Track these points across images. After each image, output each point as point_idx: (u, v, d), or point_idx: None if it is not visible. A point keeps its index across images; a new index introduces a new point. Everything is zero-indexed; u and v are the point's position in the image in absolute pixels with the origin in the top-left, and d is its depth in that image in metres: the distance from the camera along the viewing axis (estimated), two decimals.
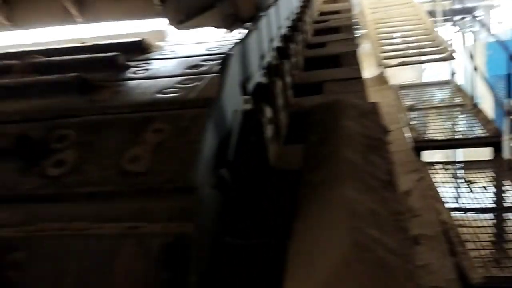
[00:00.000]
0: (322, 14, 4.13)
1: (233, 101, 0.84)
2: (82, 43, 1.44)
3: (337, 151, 0.76)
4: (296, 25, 2.34)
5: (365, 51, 6.03)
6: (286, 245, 0.92)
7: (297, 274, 0.56)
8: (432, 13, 8.23)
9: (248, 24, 1.38)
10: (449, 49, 5.81)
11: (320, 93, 1.97)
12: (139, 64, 1.22)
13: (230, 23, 1.33)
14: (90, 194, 0.77)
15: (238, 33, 1.48)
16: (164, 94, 0.97)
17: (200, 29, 1.42)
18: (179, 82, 1.02)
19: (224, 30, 1.44)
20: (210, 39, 1.43)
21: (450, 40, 7.63)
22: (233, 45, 0.86)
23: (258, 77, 1.09)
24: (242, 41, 0.91)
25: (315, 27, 3.47)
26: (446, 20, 9.21)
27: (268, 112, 1.20)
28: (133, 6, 1.39)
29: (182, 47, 1.36)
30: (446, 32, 8.69)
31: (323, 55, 2.65)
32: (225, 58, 0.79)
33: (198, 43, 1.41)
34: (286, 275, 0.57)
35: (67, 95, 1.00)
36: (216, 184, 0.70)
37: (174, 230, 0.69)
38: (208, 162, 0.69)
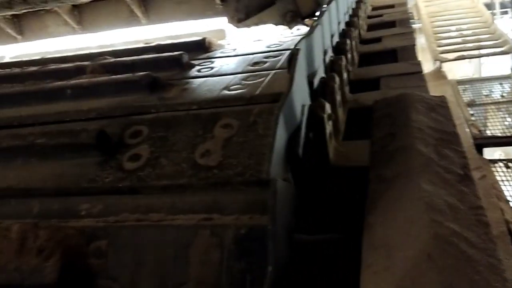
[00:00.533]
0: (374, 8, 4.04)
1: (301, 96, 0.84)
2: (147, 43, 1.50)
3: (410, 145, 0.75)
4: (351, 20, 2.31)
5: (420, 45, 5.83)
6: (355, 239, 0.92)
7: (375, 267, 0.55)
8: (490, 5, 7.85)
9: (307, 21, 1.38)
10: (510, 42, 5.51)
11: (377, 89, 1.94)
12: (202, 63, 1.25)
13: (289, 20, 1.34)
14: (164, 187, 0.80)
15: (297, 30, 1.49)
16: (230, 90, 0.99)
17: (259, 26, 1.44)
18: (244, 79, 1.04)
19: (283, 27, 1.45)
20: (269, 36, 1.45)
21: (510, 32, 7.24)
22: (300, 39, 0.87)
23: (322, 72, 1.09)
24: (308, 36, 0.91)
25: (368, 22, 3.41)
26: (504, 12, 8.75)
27: (328, 108, 1.20)
28: (194, 7, 1.43)
29: (242, 45, 1.39)
30: (505, 24, 8.25)
31: (379, 50, 2.59)
32: (293, 53, 0.80)
33: (258, 40, 1.43)
34: (363, 268, 0.57)
35: (138, 93, 1.04)
36: (288, 178, 0.71)
37: (248, 221, 0.70)
38: (280, 156, 0.70)
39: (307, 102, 0.90)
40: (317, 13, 1.37)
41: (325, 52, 1.15)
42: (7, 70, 1.36)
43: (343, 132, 1.44)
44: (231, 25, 1.45)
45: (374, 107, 1.11)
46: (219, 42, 1.45)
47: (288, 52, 1.22)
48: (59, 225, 0.78)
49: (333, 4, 1.33)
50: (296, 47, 0.82)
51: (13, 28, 1.56)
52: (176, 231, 0.73)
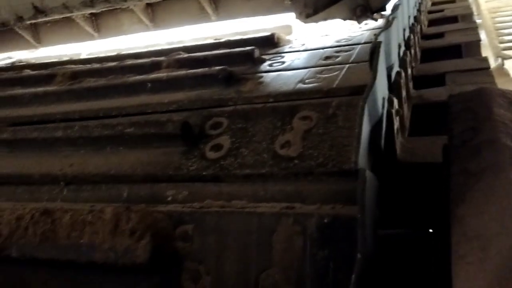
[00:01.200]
0: (434, 3, 3.92)
1: (382, 89, 0.85)
2: (216, 39, 1.55)
3: (495, 139, 0.74)
4: (415, 15, 2.26)
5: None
6: (429, 234, 0.91)
7: (469, 258, 0.55)
8: None
9: (377, 15, 1.38)
10: None
11: (441, 85, 1.89)
12: (273, 57, 1.28)
13: (359, 15, 1.33)
14: (246, 175, 0.83)
15: (365, 24, 1.48)
16: (305, 84, 1.01)
17: (326, 21, 1.44)
18: (318, 72, 1.06)
19: (351, 21, 1.45)
20: (337, 31, 1.46)
21: None
22: (379, 32, 0.87)
23: (397, 66, 1.09)
24: (387, 29, 0.91)
25: (429, 17, 3.31)
26: None
27: (396, 103, 1.19)
28: (263, 3, 1.45)
29: (311, 40, 1.40)
30: None
31: (442, 45, 2.52)
32: (376, 45, 0.81)
33: (326, 35, 1.44)
34: (455, 259, 0.57)
35: (215, 87, 1.09)
36: (372, 169, 0.72)
37: (330, 211, 0.72)
38: (364, 148, 0.71)
39: (386, 95, 0.90)
40: (387, 7, 1.36)
41: (399, 46, 1.14)
42: (88, 66, 1.45)
43: (408, 128, 1.42)
44: (298, 21, 1.46)
45: (449, 102, 1.09)
46: (287, 37, 1.47)
47: (359, 46, 1.22)
48: (148, 209, 0.83)
49: None
50: (378, 40, 0.82)
51: (91, 26, 1.65)
52: (259, 218, 0.76)
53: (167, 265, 0.79)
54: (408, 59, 1.64)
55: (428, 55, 2.39)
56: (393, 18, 0.98)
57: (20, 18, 1.42)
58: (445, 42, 2.55)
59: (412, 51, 2.03)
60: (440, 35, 2.73)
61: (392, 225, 0.98)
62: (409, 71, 1.72)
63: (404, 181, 1.11)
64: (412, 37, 2.04)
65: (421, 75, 2.02)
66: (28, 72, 1.52)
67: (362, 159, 0.70)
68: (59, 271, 0.86)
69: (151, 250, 0.76)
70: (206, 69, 1.13)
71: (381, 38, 0.86)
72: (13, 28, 1.60)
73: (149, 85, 1.14)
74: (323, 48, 1.27)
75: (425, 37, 2.73)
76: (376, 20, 1.39)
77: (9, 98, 1.27)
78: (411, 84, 1.74)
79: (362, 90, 0.84)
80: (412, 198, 1.11)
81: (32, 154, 1.02)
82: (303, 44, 1.36)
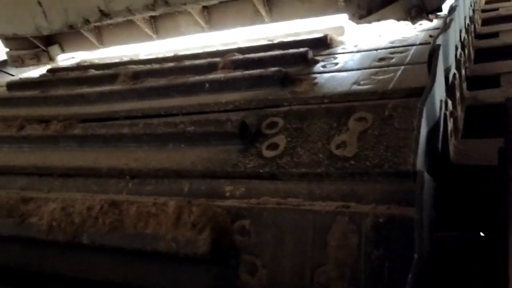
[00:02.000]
0: (488, 2, 3.78)
1: (440, 91, 0.85)
2: (269, 41, 1.58)
3: None
4: (470, 15, 2.20)
5: None
6: (485, 238, 0.91)
7: None
8: None
9: (432, 16, 1.36)
10: None
11: (496, 86, 1.83)
12: (326, 58, 1.30)
13: (414, 16, 1.32)
14: (302, 174, 0.86)
15: (419, 25, 1.47)
16: (360, 85, 1.02)
17: (379, 22, 1.44)
18: (373, 74, 1.07)
19: (404, 22, 1.44)
20: (390, 32, 1.45)
21: None
22: (438, 34, 0.88)
23: (454, 68, 1.08)
24: (445, 31, 0.91)
25: (482, 16, 3.20)
26: None
27: (450, 105, 1.18)
28: (316, 5, 1.47)
29: (364, 41, 1.41)
30: None
31: (497, 45, 2.44)
32: (434, 48, 0.81)
33: (379, 36, 1.44)
34: None
35: (270, 87, 1.12)
36: (429, 171, 0.73)
37: (386, 211, 0.73)
38: (421, 150, 0.72)
39: (444, 97, 0.90)
40: (442, 7, 1.34)
41: (456, 48, 1.13)
42: (148, 66, 1.53)
43: (462, 130, 1.40)
44: (350, 22, 1.47)
45: (507, 105, 1.07)
46: (340, 38, 1.48)
47: (414, 47, 1.22)
48: (208, 204, 0.88)
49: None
50: (437, 42, 0.83)
51: (150, 28, 1.73)
52: (314, 216, 0.79)
53: (226, 257, 0.83)
54: (462, 59, 1.61)
55: (482, 55, 2.31)
56: (450, 20, 0.98)
57: (86, 21, 1.52)
58: (499, 42, 2.46)
59: (466, 51, 1.99)
60: (495, 34, 2.64)
61: (446, 228, 0.98)
62: (463, 71, 1.69)
63: (457, 184, 1.11)
64: (466, 37, 1.99)
65: (475, 76, 1.97)
66: (93, 72, 1.62)
67: (419, 161, 0.71)
68: (125, 258, 0.92)
69: (211, 243, 0.81)
70: (262, 70, 1.17)
71: (439, 40, 0.86)
72: (79, 30, 1.70)
73: (207, 85, 1.19)
74: (376, 50, 1.27)
75: (478, 36, 2.64)
76: (431, 21, 1.37)
77: (78, 96, 1.36)
78: (464, 85, 1.71)
79: (419, 93, 0.85)
80: (465, 201, 1.10)
81: (100, 149, 1.10)
82: (356, 45, 1.37)
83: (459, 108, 1.43)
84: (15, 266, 1.04)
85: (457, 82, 1.35)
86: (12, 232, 1.00)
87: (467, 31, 2.03)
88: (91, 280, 0.95)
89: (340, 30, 1.58)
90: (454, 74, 1.27)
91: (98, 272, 0.95)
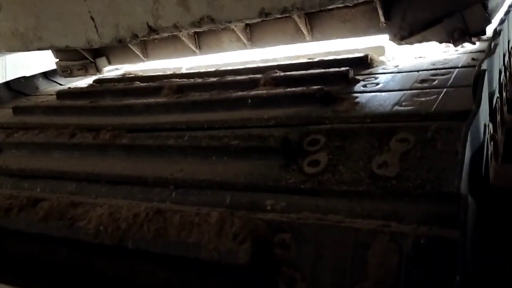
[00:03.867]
0: None
1: (484, 115, 0.86)
2: (310, 59, 1.61)
3: None
4: None
5: None
6: None
7: None
8: None
9: (475, 39, 1.36)
10: None
11: None
12: (366, 78, 1.32)
13: (457, 38, 1.33)
14: (343, 192, 0.88)
15: (461, 47, 1.47)
16: (402, 106, 1.04)
17: (421, 44, 1.45)
18: (414, 96, 1.08)
19: (447, 44, 1.44)
20: (432, 53, 1.46)
21: None
22: (483, 59, 0.88)
23: (497, 92, 1.08)
24: (490, 56, 0.92)
25: None
26: None
27: (491, 128, 1.17)
28: (358, 25, 1.50)
29: (405, 62, 1.42)
30: None
31: None
32: (480, 73, 0.82)
33: (420, 57, 1.45)
34: None
35: (312, 105, 1.15)
36: (471, 194, 0.74)
37: (427, 232, 0.74)
38: (465, 173, 0.73)
39: (488, 121, 0.91)
40: (486, 31, 1.34)
41: (500, 72, 1.13)
42: (191, 80, 1.58)
43: (502, 153, 1.38)
44: (391, 42, 1.49)
45: None
46: (380, 58, 1.50)
47: (456, 70, 1.22)
48: (250, 216, 0.90)
49: (506, 23, 1.29)
50: (482, 68, 0.84)
51: (193, 43, 1.79)
52: (354, 233, 0.80)
53: (265, 268, 0.85)
54: (503, 82, 1.60)
55: None
56: (495, 45, 0.99)
57: (135, 36, 1.59)
58: None
59: (508, 73, 1.96)
60: None
61: (486, 250, 0.97)
62: (504, 94, 1.67)
63: (497, 207, 1.10)
64: (506, 57, 1.97)
65: None
66: (138, 84, 1.69)
67: (463, 184, 0.72)
68: (167, 265, 0.96)
69: (252, 254, 0.83)
70: (304, 88, 1.20)
71: (484, 65, 0.87)
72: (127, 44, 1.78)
73: (250, 101, 1.23)
74: (418, 71, 1.28)
75: None
76: (474, 43, 1.37)
77: (125, 107, 1.42)
78: (505, 108, 1.69)
79: (462, 116, 0.86)
80: (506, 224, 1.09)
81: (147, 159, 1.15)
82: (397, 66, 1.39)
83: (499, 131, 1.42)
84: (63, 267, 1.09)
85: (498, 105, 1.34)
86: (61, 234, 1.06)
87: (510, 54, 2.00)
88: (135, 283, 0.99)
89: (381, 50, 1.60)
90: (497, 98, 1.27)
91: (141, 277, 0.99)
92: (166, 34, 1.61)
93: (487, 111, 0.92)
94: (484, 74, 0.82)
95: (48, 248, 1.12)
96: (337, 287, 0.79)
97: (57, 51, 2.13)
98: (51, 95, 1.99)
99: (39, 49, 1.91)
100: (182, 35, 1.73)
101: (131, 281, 0.99)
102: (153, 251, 0.94)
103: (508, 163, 1.34)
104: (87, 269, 1.05)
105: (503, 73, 1.22)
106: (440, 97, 1.03)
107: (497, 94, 1.06)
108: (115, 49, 2.01)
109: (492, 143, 1.18)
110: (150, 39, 1.80)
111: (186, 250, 0.90)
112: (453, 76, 1.17)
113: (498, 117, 1.41)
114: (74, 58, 2.09)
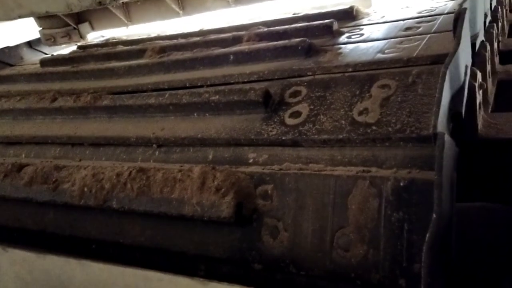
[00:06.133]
0: None
1: (465, 57, 0.84)
2: (295, 14, 1.58)
3: None
4: None
5: None
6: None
7: None
8: None
9: None
10: None
11: None
12: (351, 30, 1.29)
13: None
14: (324, 140, 0.87)
15: None
16: (385, 54, 1.01)
17: None
18: (398, 43, 1.06)
19: None
20: (418, 3, 1.42)
21: None
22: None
23: (482, 36, 1.06)
24: None
25: None
26: None
27: (479, 77, 1.15)
28: None
29: (391, 12, 1.38)
30: None
31: None
32: (460, 12, 0.80)
33: (406, 7, 1.41)
34: None
35: (294, 58, 1.12)
36: (452, 135, 0.73)
37: (406, 175, 0.74)
38: (444, 114, 0.72)
39: (470, 63, 0.89)
40: None
41: (485, 15, 1.10)
42: (175, 41, 1.55)
43: (492, 104, 1.36)
44: None
45: None
46: (366, 10, 1.46)
47: (442, 16, 1.19)
48: (232, 169, 0.90)
49: None
50: (463, 7, 0.81)
51: (177, 4, 1.75)
52: (335, 181, 0.80)
53: (248, 220, 0.85)
54: (494, 32, 1.56)
55: None
56: None
57: None
58: None
59: (500, 24, 1.92)
60: None
61: (472, 199, 0.97)
62: (495, 45, 1.64)
63: (485, 156, 1.09)
64: (499, 9, 1.92)
65: (509, 50, 1.91)
66: (121, 47, 1.66)
67: (441, 125, 0.71)
68: (152, 222, 0.96)
69: (234, 206, 0.83)
70: (286, 41, 1.17)
71: (466, 5, 0.84)
72: (108, 7, 1.74)
73: (232, 57, 1.21)
74: (403, 20, 1.25)
75: None
76: None
77: (107, 70, 1.40)
78: (497, 59, 1.66)
79: (444, 59, 0.83)
80: (493, 173, 1.09)
81: (129, 119, 1.13)
82: (383, 17, 1.35)
83: (489, 81, 1.40)
84: (49, 230, 1.09)
85: (487, 54, 1.32)
86: (46, 198, 1.06)
87: (500, 3, 1.96)
88: (121, 242, 0.99)
89: (367, 2, 1.56)
90: (485, 46, 1.24)
91: (127, 235, 0.99)
92: None
93: (469, 52, 0.90)
94: (465, 14, 0.79)
95: (35, 212, 1.12)
96: (318, 234, 0.79)
97: (40, 19, 2.08)
98: (36, 64, 1.96)
99: (20, 16, 1.87)
100: None
101: (117, 241, 1.00)
102: (137, 210, 0.94)
103: (498, 112, 1.33)
104: (73, 231, 1.05)
105: (489, 17, 1.18)
106: (423, 43, 1.01)
107: (481, 37, 1.04)
108: (98, 14, 1.96)
109: (481, 92, 1.16)
110: (133, 2, 1.75)
111: (169, 206, 0.90)
112: (438, 22, 1.14)
113: (489, 67, 1.39)
114: (57, 25, 2.05)
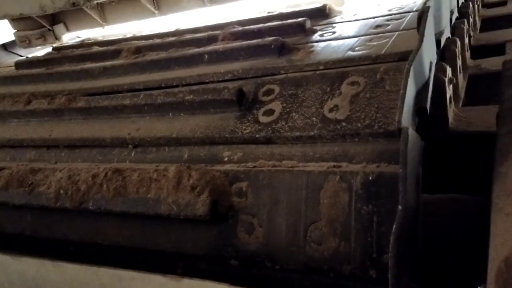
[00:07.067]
0: None
1: (429, 53, 0.87)
2: (269, 12, 1.59)
3: None
4: None
5: None
6: (476, 199, 0.93)
7: (507, 209, 0.58)
8: None
9: None
10: None
11: (502, 54, 1.82)
12: (324, 28, 1.31)
13: None
14: (296, 137, 0.88)
15: None
16: (355, 51, 1.04)
17: None
18: (368, 41, 1.08)
19: None
20: (389, 1, 1.45)
21: None
22: None
23: (448, 32, 1.09)
24: None
25: None
26: None
27: (449, 71, 1.19)
28: None
29: (362, 10, 1.41)
30: None
31: (504, 14, 2.41)
32: (424, 9, 0.82)
33: (377, 5, 1.44)
34: (494, 211, 0.60)
35: (268, 57, 1.14)
36: (417, 131, 0.75)
37: (375, 169, 0.76)
38: (409, 109, 0.74)
39: (435, 60, 0.91)
40: None
41: (451, 12, 1.13)
42: (150, 41, 1.55)
43: (463, 98, 1.40)
44: None
45: (504, 67, 1.08)
46: (339, 8, 1.49)
47: (410, 14, 1.22)
48: (207, 168, 0.91)
49: None
50: (426, 4, 0.84)
51: (152, 4, 1.75)
52: (307, 176, 0.82)
53: (224, 217, 0.87)
54: (465, 27, 1.60)
55: (490, 24, 2.28)
56: None
57: None
58: (507, 10, 2.42)
59: (471, 19, 1.96)
60: (503, 3, 2.60)
61: (444, 191, 1.00)
62: (466, 40, 1.68)
63: (456, 150, 1.12)
64: (470, 5, 1.96)
65: (480, 45, 1.96)
66: (96, 48, 1.65)
67: (406, 120, 0.73)
68: (129, 222, 0.96)
69: (210, 204, 0.85)
70: (260, 40, 1.19)
71: (430, 3, 0.87)
72: (82, 7, 1.73)
73: (206, 56, 1.22)
74: (374, 17, 1.28)
75: (487, 5, 2.60)
76: None
77: (82, 71, 1.39)
78: (468, 54, 1.70)
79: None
80: (464, 166, 1.11)
81: (104, 121, 1.14)
82: (355, 14, 1.38)
83: (460, 76, 1.43)
84: (27, 233, 1.09)
85: (457, 49, 1.35)
86: (22, 201, 1.05)
87: (473, 1, 2.00)
88: (98, 244, 1.00)
89: (340, 0, 1.58)
90: (455, 41, 1.28)
91: (104, 236, 0.99)
92: None
93: (434, 49, 0.93)
94: (428, 11, 0.82)
95: (13, 216, 1.11)
96: (292, 228, 0.81)
97: (14, 21, 2.05)
98: (11, 66, 1.94)
99: None
100: None
101: (95, 242, 1.00)
102: (114, 210, 0.94)
103: (469, 106, 1.37)
104: (50, 233, 1.05)
105: (455, 14, 1.22)
106: (391, 40, 1.03)
107: (447, 34, 1.07)
108: (73, 15, 1.95)
109: (451, 86, 1.19)
110: (108, 2, 1.75)
111: (145, 206, 0.91)
112: (406, 19, 1.17)
113: (459, 62, 1.42)
114: (32, 27, 2.03)
